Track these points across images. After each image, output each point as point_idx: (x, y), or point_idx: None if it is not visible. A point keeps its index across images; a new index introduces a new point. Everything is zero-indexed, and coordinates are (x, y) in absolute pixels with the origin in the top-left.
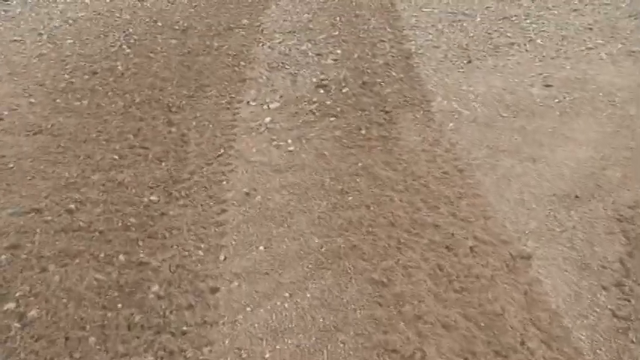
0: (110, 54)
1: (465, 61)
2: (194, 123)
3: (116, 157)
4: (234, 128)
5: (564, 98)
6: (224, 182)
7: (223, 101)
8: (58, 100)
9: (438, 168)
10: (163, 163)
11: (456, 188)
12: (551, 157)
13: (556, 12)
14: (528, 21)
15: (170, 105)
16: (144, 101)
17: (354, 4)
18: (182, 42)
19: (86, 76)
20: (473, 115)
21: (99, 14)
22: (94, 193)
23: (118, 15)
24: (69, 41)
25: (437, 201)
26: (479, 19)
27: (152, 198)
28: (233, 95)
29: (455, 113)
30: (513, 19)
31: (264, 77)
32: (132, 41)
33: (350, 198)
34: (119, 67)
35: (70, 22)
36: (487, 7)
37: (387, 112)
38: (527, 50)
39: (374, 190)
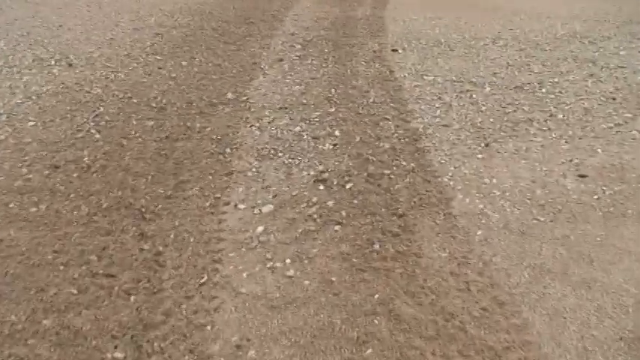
0: (76, 140)
1: (481, 144)
2: (172, 236)
3: (75, 291)
4: (220, 242)
5: (604, 193)
6: (208, 327)
7: (207, 203)
8: (11, 205)
9: (473, 301)
10: (132, 298)
11: (501, 333)
12: (607, 280)
13: (571, 78)
14: (544, 90)
15: (143, 210)
16: (112, 206)
17: (349, 72)
18: (159, 123)
19: (46, 171)
20: (503, 219)
21: (67, 88)
22: (43, 347)
23: (88, 89)
24: (30, 123)
25: (480, 354)
26: (488, 88)
27: (116, 355)
28: (218, 195)
29: (482, 216)
30: (526, 88)
31: (254, 169)
32: (102, 123)
33: (369, 351)
34: (85, 159)
35: (34, 97)
36: (495, 74)
37: (400, 217)
38: (549, 128)
39: (398, 337)
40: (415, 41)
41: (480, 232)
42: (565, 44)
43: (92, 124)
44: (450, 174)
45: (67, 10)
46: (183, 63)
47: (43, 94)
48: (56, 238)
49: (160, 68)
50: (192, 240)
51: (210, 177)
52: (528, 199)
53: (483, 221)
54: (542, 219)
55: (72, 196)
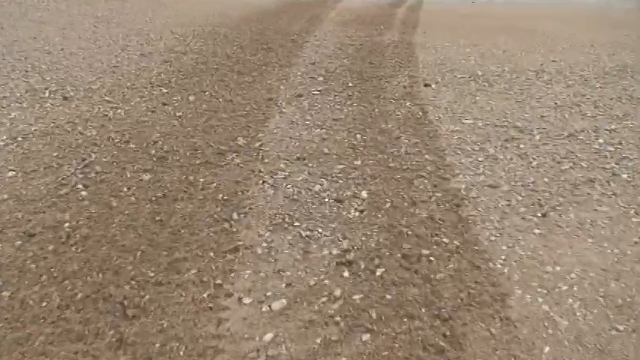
0: (59, 198)
1: (537, 213)
2: (157, 344)
3: None
4: (218, 356)
5: None
6: None
7: (205, 294)
8: None
9: None
10: None
11: None
12: None
13: (630, 124)
14: (601, 140)
15: (126, 303)
16: (88, 297)
17: (377, 112)
18: (157, 177)
19: (19, 241)
20: (574, 328)
21: (58, 127)
22: None
23: (81, 129)
24: (10, 174)
25: None
26: (537, 136)
27: None
28: (219, 281)
29: (547, 323)
30: (581, 136)
31: (265, 244)
32: (92, 175)
33: None
34: (66, 225)
35: (20, 139)
36: (543, 117)
37: (445, 321)
38: (614, 193)
39: None
40: (449, 74)
41: (547, 349)
42: (616, 80)
43: (80, 176)
44: (504, 257)
45: (72, 30)
46: (191, 98)
47: (30, 135)
48: (16, 342)
49: (165, 104)
50: (182, 352)
51: (212, 254)
52: (601, 296)
53: (550, 331)
54: (621, 328)
55: (43, 278)
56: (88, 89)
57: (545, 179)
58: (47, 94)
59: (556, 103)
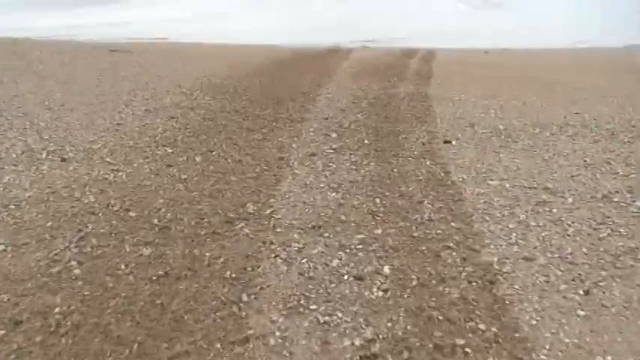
0: (50, 278)
1: (580, 291)
2: None
3: None
4: None
5: None
6: None
7: None
8: None
9: None
10: None
11: None
12: None
13: None
14: (638, 203)
15: None
16: None
17: (395, 172)
18: (159, 252)
19: (2, 331)
20: None
21: (53, 193)
22: None
23: (78, 195)
24: None
25: None
26: (570, 199)
27: None
28: None
29: None
30: (616, 198)
31: (278, 333)
32: (87, 250)
33: None
34: (56, 311)
35: (12, 207)
36: (573, 177)
37: None
38: None
39: None
40: (469, 129)
41: None
42: None
43: (74, 250)
44: (547, 346)
45: (74, 84)
46: (197, 158)
47: (24, 202)
48: None
49: (170, 166)
50: None
51: (219, 345)
52: None
53: None
54: None
55: None
56: (89, 149)
57: (584, 249)
58: (44, 155)
59: (585, 161)
